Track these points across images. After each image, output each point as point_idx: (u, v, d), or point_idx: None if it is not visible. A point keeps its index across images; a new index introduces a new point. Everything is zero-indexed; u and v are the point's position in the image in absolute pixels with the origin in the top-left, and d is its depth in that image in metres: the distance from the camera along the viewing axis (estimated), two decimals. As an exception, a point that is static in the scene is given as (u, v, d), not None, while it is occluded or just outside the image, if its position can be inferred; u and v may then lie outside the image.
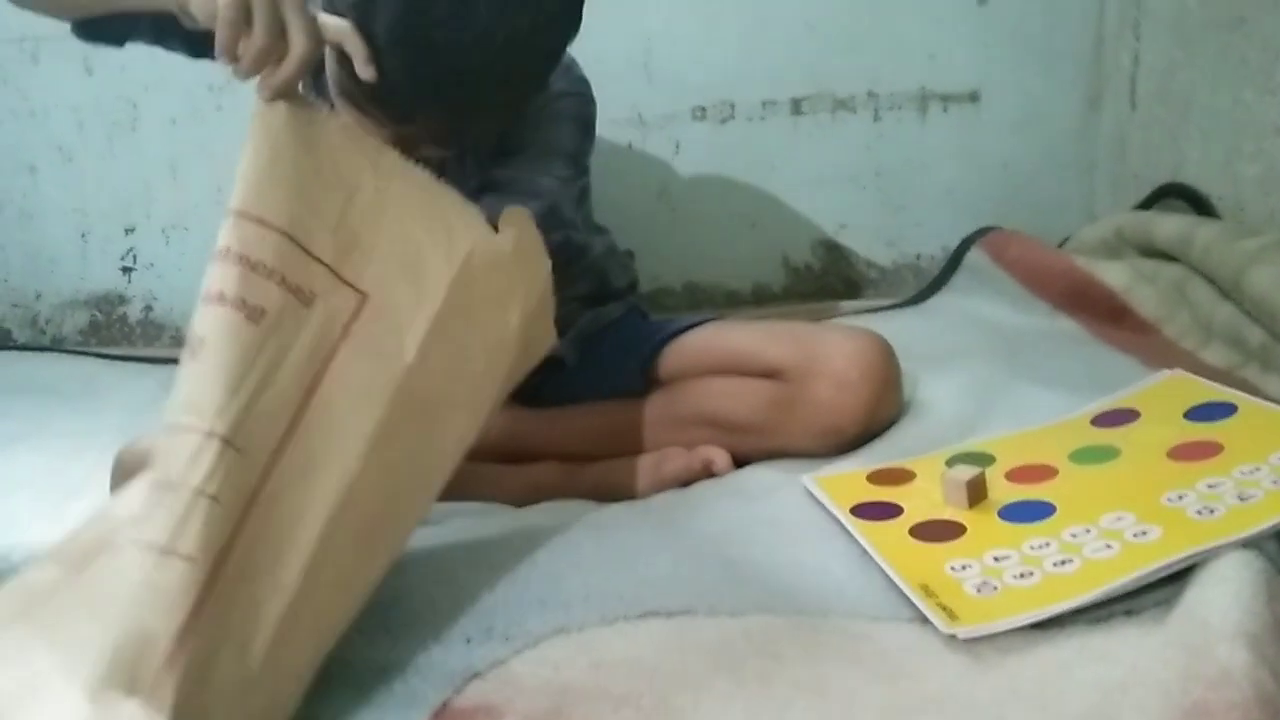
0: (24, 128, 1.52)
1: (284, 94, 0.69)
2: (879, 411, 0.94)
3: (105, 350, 1.54)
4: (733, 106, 1.45)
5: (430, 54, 0.79)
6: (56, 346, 1.58)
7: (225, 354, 0.63)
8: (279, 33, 0.69)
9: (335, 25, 0.75)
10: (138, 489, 0.65)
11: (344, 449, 0.65)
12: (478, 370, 0.73)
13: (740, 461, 0.96)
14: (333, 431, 0.65)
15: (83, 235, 1.57)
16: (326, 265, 0.68)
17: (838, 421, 0.92)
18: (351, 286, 0.69)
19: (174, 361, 1.49)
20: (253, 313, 0.64)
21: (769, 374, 0.96)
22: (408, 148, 0.76)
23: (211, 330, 0.64)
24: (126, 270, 1.57)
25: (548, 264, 0.79)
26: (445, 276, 0.71)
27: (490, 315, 0.74)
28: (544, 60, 0.89)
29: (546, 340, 0.81)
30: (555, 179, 1.01)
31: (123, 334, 1.59)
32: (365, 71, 0.75)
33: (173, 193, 1.53)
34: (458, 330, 0.71)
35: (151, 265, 1.57)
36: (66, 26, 1.38)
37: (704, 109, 1.44)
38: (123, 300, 1.59)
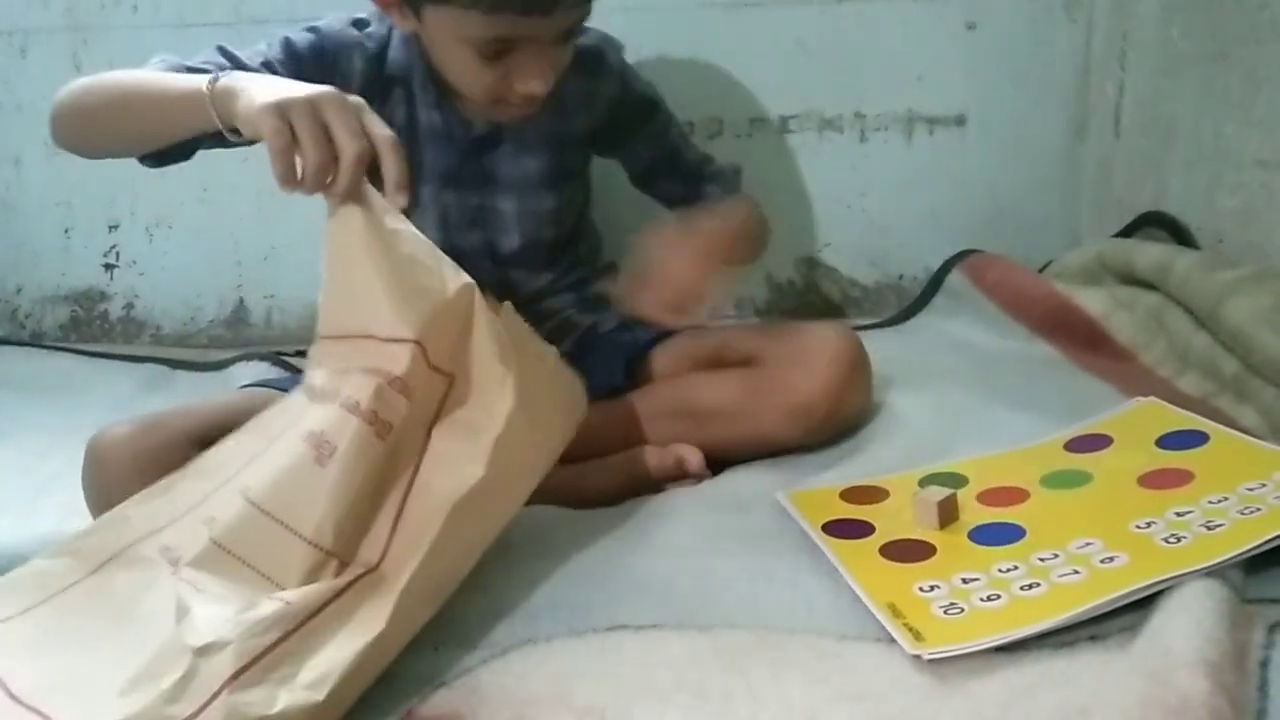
0: (10, 121, 1.52)
1: (351, 197, 0.71)
2: (846, 395, 0.97)
3: (85, 347, 1.53)
4: (720, 123, 1.45)
5: None
6: (36, 342, 1.58)
7: (355, 471, 0.66)
8: (328, 142, 0.70)
9: (379, 134, 0.73)
10: (182, 525, 0.69)
11: (433, 519, 0.68)
12: (527, 479, 0.77)
13: (713, 457, 0.97)
14: (428, 518, 0.68)
15: (66, 231, 1.56)
16: (426, 357, 0.70)
17: (806, 401, 0.95)
18: (439, 370, 0.71)
19: (154, 360, 1.51)
20: (383, 429, 0.67)
21: (743, 363, 1.00)
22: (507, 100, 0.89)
23: (345, 442, 0.67)
24: (109, 267, 1.57)
25: (572, 376, 0.84)
26: (507, 402, 0.71)
27: (544, 421, 0.77)
28: None
29: (575, 425, 0.84)
30: (713, 167, 1.17)
31: (103, 331, 1.58)
32: (395, 200, 0.73)
33: (157, 191, 1.52)
34: (517, 442, 0.72)
35: (134, 263, 1.56)
36: (54, 20, 1.39)
37: (692, 125, 1.44)
38: (104, 297, 1.58)
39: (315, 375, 0.73)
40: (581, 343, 1.11)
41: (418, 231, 0.73)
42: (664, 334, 1.07)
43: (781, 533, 0.81)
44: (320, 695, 0.59)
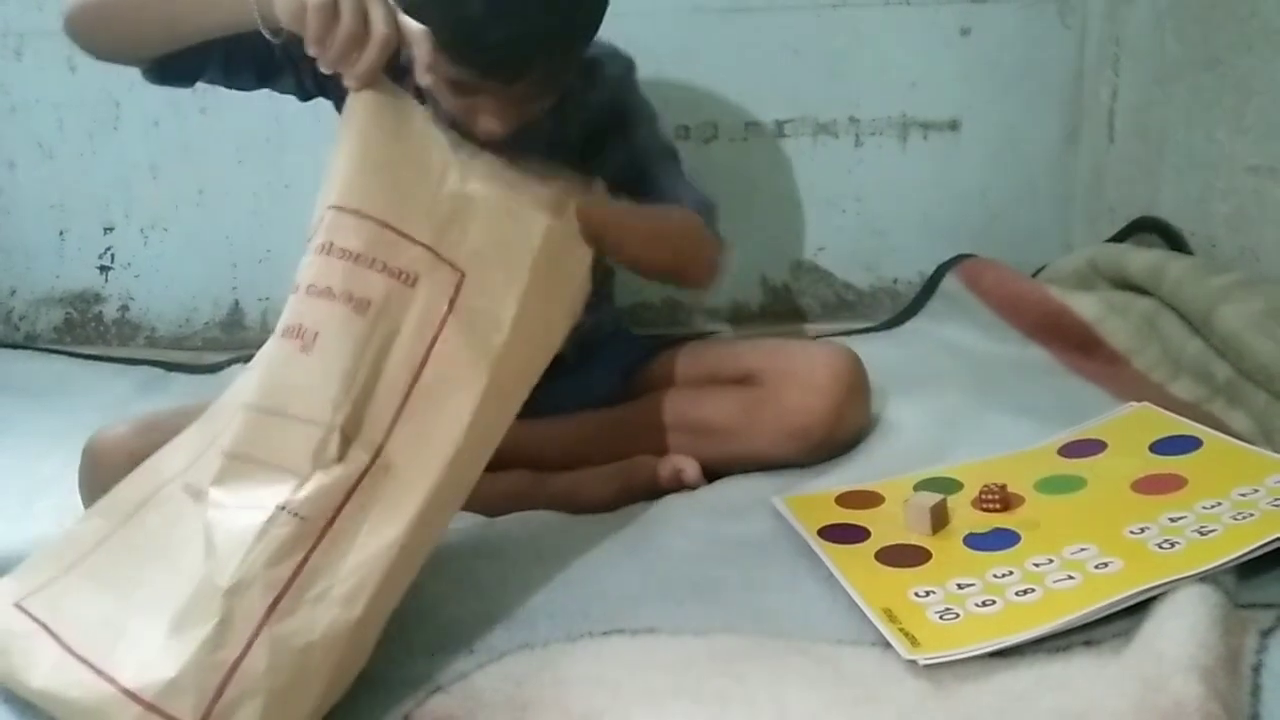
0: (4, 123, 1.52)
1: (370, 79, 0.74)
2: (845, 417, 0.96)
3: (79, 349, 1.53)
4: (716, 127, 1.45)
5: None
6: (30, 344, 1.57)
7: (339, 348, 0.68)
8: (363, 20, 0.73)
9: (408, 26, 0.77)
10: (208, 458, 0.69)
11: (450, 420, 0.69)
12: (547, 343, 0.79)
13: (711, 471, 0.97)
14: (440, 405, 0.69)
15: (60, 233, 1.56)
16: (425, 246, 0.72)
17: (805, 423, 0.94)
18: (450, 264, 0.72)
19: (149, 363, 1.51)
20: (360, 305, 0.69)
21: (742, 380, 0.99)
22: (471, 126, 0.85)
23: (324, 325, 0.68)
24: (104, 269, 1.57)
25: (587, 250, 0.83)
26: (527, 257, 0.75)
27: (561, 290, 0.79)
28: None
29: (583, 301, 0.84)
30: (687, 186, 1.06)
31: (98, 333, 1.58)
32: (423, 78, 0.78)
33: (153, 193, 1.52)
34: (538, 307, 0.75)
35: (129, 265, 1.56)
36: (50, 22, 1.38)
37: (687, 129, 1.45)
38: (99, 299, 1.58)
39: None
40: (581, 347, 1.09)
41: (437, 130, 0.77)
42: (662, 345, 1.07)
43: (778, 538, 0.82)
44: (357, 610, 0.62)
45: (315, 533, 0.63)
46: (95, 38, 0.92)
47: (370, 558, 0.64)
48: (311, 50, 0.74)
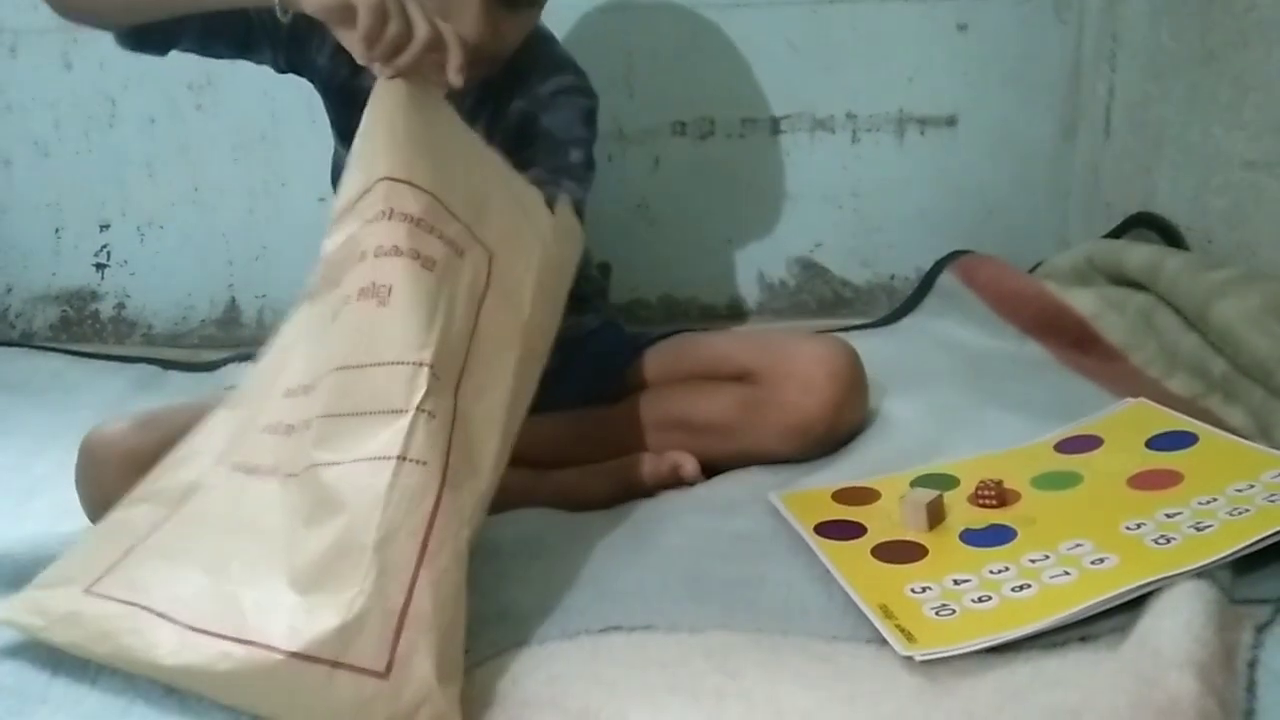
0: (0, 121, 1.51)
1: (408, 74, 0.78)
2: (844, 413, 0.96)
3: (75, 347, 1.52)
4: (713, 123, 1.45)
5: None
6: (26, 341, 1.57)
7: (415, 296, 0.70)
8: (407, 21, 0.78)
9: (445, 27, 0.81)
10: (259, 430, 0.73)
11: (500, 376, 0.75)
12: (552, 327, 0.83)
13: (709, 468, 0.97)
14: (490, 364, 0.74)
15: (56, 230, 1.56)
16: (464, 225, 0.76)
17: (804, 421, 0.94)
18: (483, 245, 0.77)
19: (145, 360, 1.51)
20: (426, 262, 0.72)
21: (739, 377, 0.98)
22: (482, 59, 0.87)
23: (397, 279, 0.71)
24: (100, 267, 1.56)
25: (583, 238, 0.89)
26: (538, 245, 0.81)
27: (559, 280, 0.84)
28: None
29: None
30: (572, 177, 1.01)
31: (94, 331, 1.58)
32: (456, 79, 0.80)
33: (149, 191, 1.52)
34: (547, 291, 0.81)
35: (125, 263, 1.56)
36: (46, 20, 1.38)
37: (684, 125, 1.45)
38: (95, 297, 1.57)
39: (318, 269, 0.77)
40: (565, 345, 1.08)
41: (464, 124, 0.82)
42: (647, 342, 1.06)
43: (774, 534, 0.82)
44: (483, 482, 0.70)
45: (438, 475, 0.66)
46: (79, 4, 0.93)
47: (476, 499, 0.69)
48: (356, 46, 0.78)
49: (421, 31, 0.78)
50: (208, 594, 0.65)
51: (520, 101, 1.03)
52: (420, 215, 0.73)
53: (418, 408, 0.66)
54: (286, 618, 0.62)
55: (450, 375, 0.70)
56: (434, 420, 0.67)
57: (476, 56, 0.88)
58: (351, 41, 0.78)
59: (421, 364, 0.68)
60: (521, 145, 1.00)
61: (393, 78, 0.78)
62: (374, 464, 0.65)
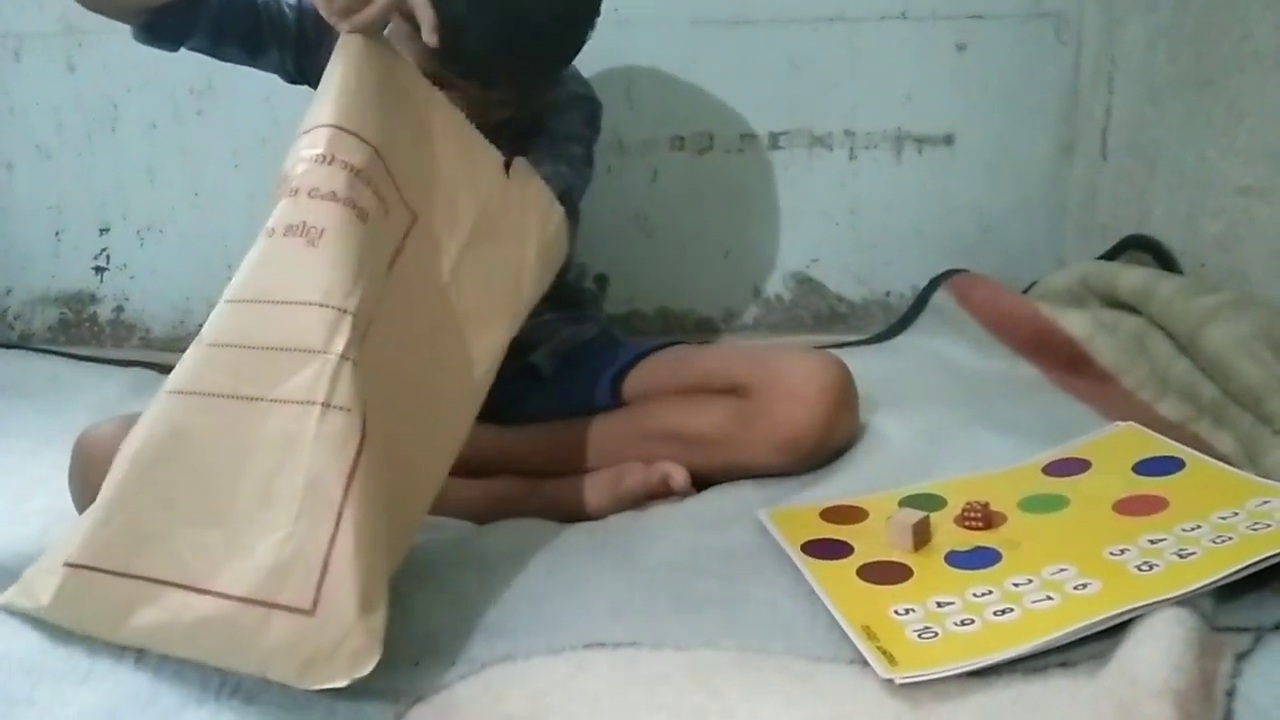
0: (2, 124, 1.52)
1: (366, 30, 0.80)
2: (835, 427, 0.97)
3: (73, 350, 1.53)
4: (711, 138, 1.46)
5: (513, 20, 0.89)
6: (24, 344, 1.57)
7: (346, 245, 0.72)
8: None
9: None
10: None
11: (403, 341, 0.77)
12: (502, 288, 0.85)
13: (700, 479, 0.98)
14: (395, 326, 0.75)
15: (56, 233, 1.56)
16: (396, 185, 0.78)
17: (794, 435, 0.95)
18: (408, 206, 0.79)
19: (142, 364, 1.50)
20: (360, 213, 0.74)
21: (731, 390, 0.99)
22: (481, 113, 0.88)
23: (330, 224, 0.72)
24: (99, 270, 1.57)
25: (558, 206, 0.90)
26: (473, 211, 0.83)
27: (509, 246, 0.86)
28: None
29: (563, 253, 0.93)
30: (570, 165, 1.05)
31: (92, 334, 1.59)
32: (431, 38, 0.82)
33: (149, 195, 1.53)
34: (483, 257, 0.84)
35: (124, 266, 1.56)
36: (49, 24, 1.39)
37: (683, 139, 1.46)
38: (94, 300, 1.58)
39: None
40: (562, 355, 1.10)
41: (420, 80, 0.84)
42: (642, 353, 1.07)
43: (761, 552, 0.82)
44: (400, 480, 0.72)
45: (359, 421, 0.67)
46: None
47: (391, 448, 0.70)
48: (323, 8, 0.80)
49: None
50: (160, 548, 0.67)
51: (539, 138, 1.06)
52: (361, 167, 0.75)
53: (341, 355, 0.68)
54: (230, 563, 0.65)
55: (362, 327, 0.72)
56: (356, 368, 0.69)
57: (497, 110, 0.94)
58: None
59: (345, 311, 0.70)
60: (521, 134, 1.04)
61: (350, 32, 0.80)
62: (301, 407, 0.67)
